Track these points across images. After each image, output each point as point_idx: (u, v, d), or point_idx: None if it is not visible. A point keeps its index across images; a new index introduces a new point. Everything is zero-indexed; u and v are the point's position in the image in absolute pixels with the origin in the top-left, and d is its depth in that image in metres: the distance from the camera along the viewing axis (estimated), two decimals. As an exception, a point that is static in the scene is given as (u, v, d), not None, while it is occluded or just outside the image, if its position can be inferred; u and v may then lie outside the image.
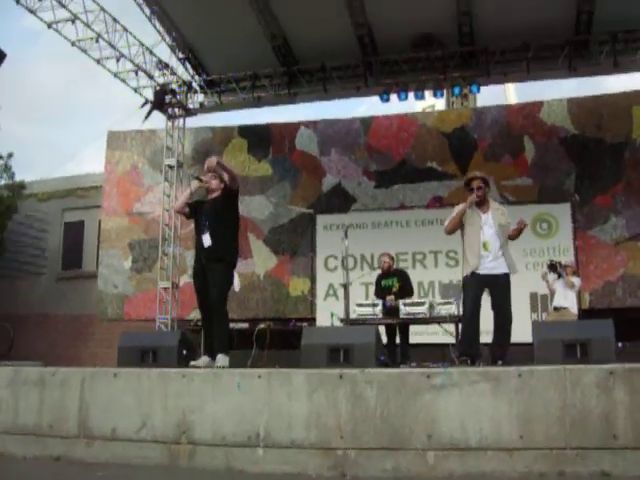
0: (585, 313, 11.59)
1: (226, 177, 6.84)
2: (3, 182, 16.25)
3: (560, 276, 10.20)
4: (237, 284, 6.76)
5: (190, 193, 7.04)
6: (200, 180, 6.97)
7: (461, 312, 8.62)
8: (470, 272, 6.86)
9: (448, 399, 4.48)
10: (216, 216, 6.71)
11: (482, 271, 6.80)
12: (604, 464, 4.19)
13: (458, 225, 7.07)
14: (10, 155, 16.24)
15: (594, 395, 4.28)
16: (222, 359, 6.43)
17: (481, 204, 6.99)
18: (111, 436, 5.25)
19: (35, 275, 16.92)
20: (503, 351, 6.70)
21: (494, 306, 6.84)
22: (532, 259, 12.65)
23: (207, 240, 6.67)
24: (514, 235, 6.94)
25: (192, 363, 6.35)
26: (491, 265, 6.80)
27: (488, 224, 6.90)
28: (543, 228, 12.93)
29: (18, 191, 16.42)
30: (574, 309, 10.18)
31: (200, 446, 4.97)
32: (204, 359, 6.47)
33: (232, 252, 6.80)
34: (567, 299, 10.14)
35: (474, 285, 6.85)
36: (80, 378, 5.55)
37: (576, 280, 10.31)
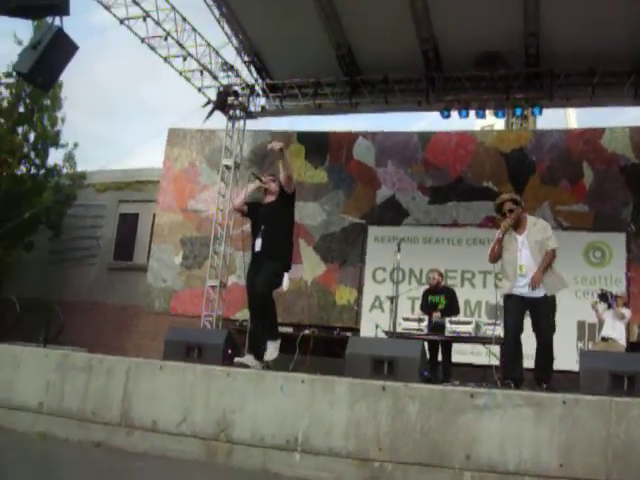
0: (633, 346, 11.38)
1: (282, 176, 6.86)
2: (65, 171, 16.55)
3: (610, 306, 10.05)
4: (286, 284, 6.80)
5: (248, 193, 7.13)
6: (260, 180, 7.05)
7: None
8: (508, 293, 6.77)
9: (490, 421, 4.45)
10: (271, 221, 6.79)
11: (521, 293, 6.69)
12: (645, 500, 4.13)
13: (499, 252, 6.94)
14: (75, 145, 16.57)
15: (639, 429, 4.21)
16: (272, 347, 6.55)
17: (517, 225, 6.86)
18: (151, 427, 5.34)
19: (87, 263, 17.18)
20: (546, 375, 6.57)
21: (534, 329, 6.70)
22: (583, 287, 12.49)
23: (258, 245, 6.79)
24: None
25: (237, 360, 6.40)
26: (529, 289, 6.65)
27: (524, 246, 6.77)
28: (596, 257, 12.74)
29: (79, 181, 16.73)
30: (622, 340, 10.03)
31: (238, 445, 5.02)
32: (248, 358, 6.50)
33: (285, 254, 6.88)
34: (615, 330, 9.99)
35: (512, 307, 6.73)
36: (126, 367, 5.66)
37: (626, 311, 10.14)
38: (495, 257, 6.98)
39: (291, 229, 7.09)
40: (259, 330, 6.81)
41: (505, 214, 6.87)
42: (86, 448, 5.43)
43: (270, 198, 6.99)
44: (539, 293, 6.64)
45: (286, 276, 6.79)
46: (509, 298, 6.75)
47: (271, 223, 6.78)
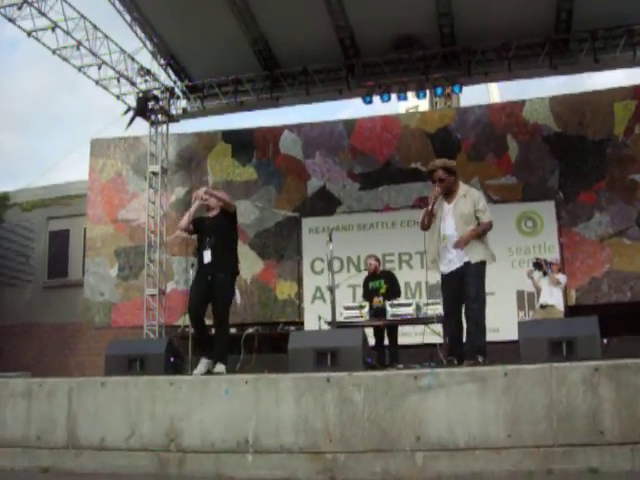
0: (571, 309, 11.65)
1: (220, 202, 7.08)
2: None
3: (545, 274, 10.25)
4: (238, 297, 7.01)
5: (192, 212, 7.21)
6: (200, 198, 7.14)
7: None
8: (441, 273, 6.62)
9: (435, 400, 4.50)
10: (217, 233, 6.94)
11: (446, 268, 6.52)
12: (592, 460, 4.22)
13: (429, 223, 6.69)
14: None
15: (580, 392, 4.30)
16: (221, 368, 6.61)
17: (448, 193, 6.59)
18: (100, 446, 5.25)
19: (21, 284, 16.84)
20: (477, 345, 6.23)
21: (463, 299, 6.44)
22: (518, 257, 12.72)
23: (207, 256, 6.88)
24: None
25: (196, 372, 6.52)
26: (452, 259, 6.44)
27: (450, 215, 6.54)
28: (528, 226, 12.98)
29: (2, 202, 16.34)
30: (560, 306, 10.24)
31: (189, 453, 4.97)
32: (203, 362, 6.62)
33: (234, 263, 7.05)
34: (553, 296, 10.19)
35: (446, 285, 6.60)
36: (67, 388, 5.54)
37: (561, 277, 10.36)
38: (425, 225, 6.75)
39: (236, 240, 7.30)
40: (215, 341, 6.86)
41: (435, 182, 6.58)
42: (33, 475, 5.30)
43: (214, 212, 7.12)
44: (462, 261, 6.39)
45: (237, 290, 7.27)
46: (443, 275, 6.61)
47: (218, 235, 6.94)
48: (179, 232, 7.53)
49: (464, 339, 6.50)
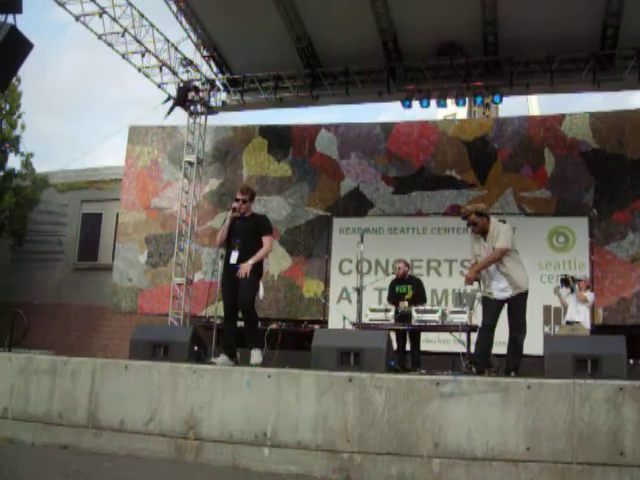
0: (598, 329, 11.50)
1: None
2: (25, 173, 16.40)
3: (573, 290, 10.15)
4: (262, 292, 7.20)
5: (229, 222, 7.23)
6: (234, 210, 7.20)
7: (473, 322, 8.83)
8: (491, 297, 7.05)
9: (456, 408, 4.48)
10: (248, 236, 7.06)
11: (498, 295, 6.98)
12: (610, 481, 4.18)
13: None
14: (31, 155, 16.47)
15: (603, 411, 4.26)
16: (257, 354, 6.80)
17: (484, 232, 7.10)
18: (119, 427, 5.30)
19: (51, 265, 17.02)
20: (515, 363, 6.81)
21: (509, 321, 7.01)
22: (547, 272, 12.60)
23: (234, 257, 6.99)
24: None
25: (212, 360, 6.67)
26: (501, 292, 6.97)
27: (489, 251, 7.04)
28: (560, 241, 12.86)
29: (41, 185, 16.57)
30: (586, 324, 10.12)
31: (207, 442, 5.01)
32: (223, 358, 6.70)
33: (259, 265, 7.10)
34: (579, 314, 10.08)
35: (490, 306, 7.05)
36: (91, 369, 5.61)
37: (589, 295, 10.24)
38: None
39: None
40: (233, 332, 7.06)
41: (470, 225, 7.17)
42: (53, 451, 5.37)
43: (246, 214, 7.22)
44: (510, 293, 6.93)
45: (261, 285, 7.16)
46: (496, 300, 7.00)
47: (248, 238, 7.04)
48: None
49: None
